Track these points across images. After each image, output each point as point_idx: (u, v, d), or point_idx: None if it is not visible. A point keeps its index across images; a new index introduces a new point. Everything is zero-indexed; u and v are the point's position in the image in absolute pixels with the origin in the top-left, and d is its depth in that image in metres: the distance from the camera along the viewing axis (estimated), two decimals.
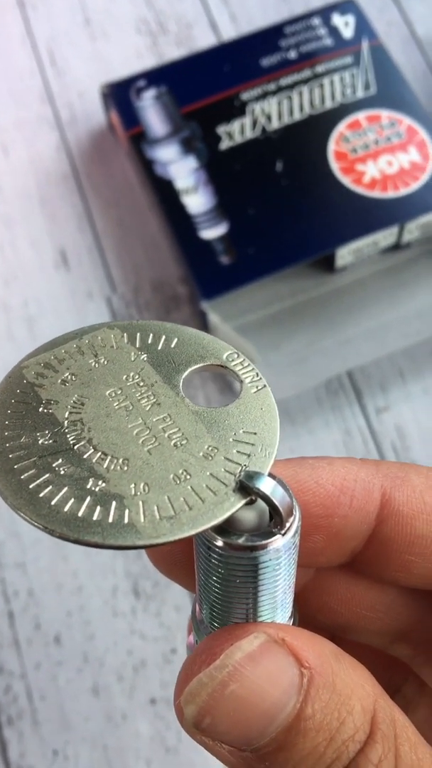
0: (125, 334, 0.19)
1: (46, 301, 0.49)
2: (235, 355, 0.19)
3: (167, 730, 0.40)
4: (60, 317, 0.49)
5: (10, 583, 0.43)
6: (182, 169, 0.48)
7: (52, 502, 0.16)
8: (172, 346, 0.19)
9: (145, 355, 0.18)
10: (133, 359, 0.18)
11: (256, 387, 0.18)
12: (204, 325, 0.45)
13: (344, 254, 0.46)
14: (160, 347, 0.19)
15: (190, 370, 0.18)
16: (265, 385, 0.18)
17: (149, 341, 0.19)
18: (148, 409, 0.18)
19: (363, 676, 0.18)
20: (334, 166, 0.47)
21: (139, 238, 0.51)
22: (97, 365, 0.18)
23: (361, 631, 0.23)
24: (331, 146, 0.48)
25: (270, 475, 0.17)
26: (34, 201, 0.52)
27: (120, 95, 0.50)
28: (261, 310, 0.47)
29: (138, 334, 0.19)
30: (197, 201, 0.47)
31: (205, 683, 0.17)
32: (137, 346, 0.19)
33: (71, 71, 0.56)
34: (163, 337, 0.19)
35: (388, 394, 0.46)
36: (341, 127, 0.48)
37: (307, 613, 0.23)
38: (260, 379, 0.18)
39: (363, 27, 0.51)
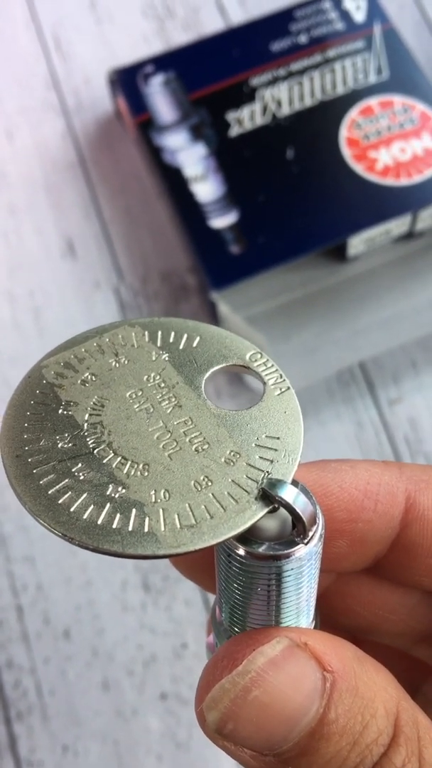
0: (146, 332, 0.18)
1: (52, 291, 0.49)
2: (259, 356, 0.18)
3: (178, 725, 0.40)
4: (66, 307, 0.48)
5: (19, 577, 0.42)
6: (191, 157, 0.47)
7: (71, 509, 0.16)
8: (194, 345, 0.18)
9: (167, 355, 0.18)
10: (154, 359, 0.18)
11: (280, 389, 0.18)
12: (213, 315, 0.45)
13: (356, 243, 0.45)
14: (181, 346, 0.18)
15: (212, 370, 0.18)
16: (288, 387, 0.18)
17: (171, 340, 0.18)
18: (169, 411, 0.17)
19: (386, 679, 0.18)
20: (346, 153, 0.46)
21: (147, 226, 0.50)
22: (117, 365, 0.18)
23: (382, 633, 0.23)
24: (343, 133, 0.47)
25: (293, 481, 0.17)
26: (39, 189, 0.51)
27: (127, 81, 0.50)
28: (271, 300, 0.46)
29: (159, 333, 0.18)
30: (206, 189, 0.46)
31: (228, 689, 0.17)
32: (158, 345, 0.18)
33: (77, 57, 0.55)
34: (185, 335, 0.18)
35: (400, 386, 0.46)
36: (353, 113, 0.47)
37: (328, 614, 0.23)
38: (284, 380, 0.18)
39: (375, 10, 0.50)
